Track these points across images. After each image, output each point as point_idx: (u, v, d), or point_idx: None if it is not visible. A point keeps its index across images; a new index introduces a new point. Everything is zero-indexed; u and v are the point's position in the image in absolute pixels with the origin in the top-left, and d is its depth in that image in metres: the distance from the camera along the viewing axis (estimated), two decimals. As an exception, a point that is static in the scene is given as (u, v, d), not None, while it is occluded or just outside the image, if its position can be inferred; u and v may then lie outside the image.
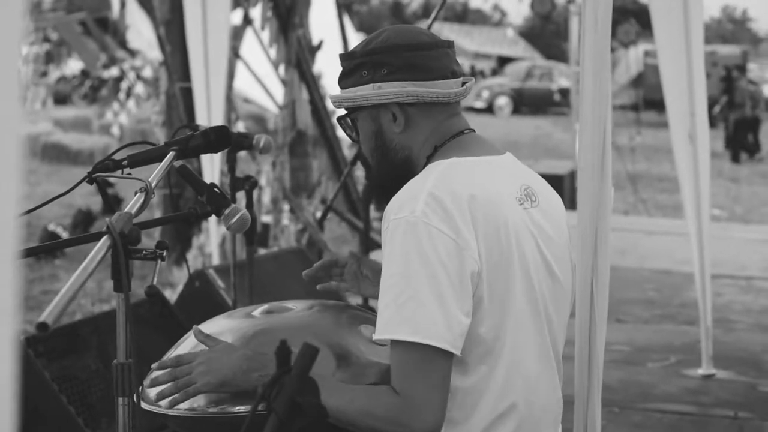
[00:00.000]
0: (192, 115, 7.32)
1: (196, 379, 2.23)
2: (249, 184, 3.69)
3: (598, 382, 3.08)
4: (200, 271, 4.72)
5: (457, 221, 2.09)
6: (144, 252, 2.06)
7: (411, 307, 2.04)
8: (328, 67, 9.75)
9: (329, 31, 10.16)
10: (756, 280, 7.94)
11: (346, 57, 2.35)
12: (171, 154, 2.52)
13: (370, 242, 9.40)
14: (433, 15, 4.79)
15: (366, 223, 4.85)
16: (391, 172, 2.36)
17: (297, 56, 8.49)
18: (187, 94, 7.61)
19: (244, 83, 11.14)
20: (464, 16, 61.46)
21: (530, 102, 32.20)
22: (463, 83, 2.34)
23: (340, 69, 2.38)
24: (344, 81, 2.35)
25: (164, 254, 2.11)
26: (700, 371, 5.62)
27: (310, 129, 8.85)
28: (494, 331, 2.17)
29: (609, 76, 3.07)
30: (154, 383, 2.30)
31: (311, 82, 8.80)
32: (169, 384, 2.26)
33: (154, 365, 2.32)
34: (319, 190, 9.07)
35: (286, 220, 8.48)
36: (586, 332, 2.99)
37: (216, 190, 2.76)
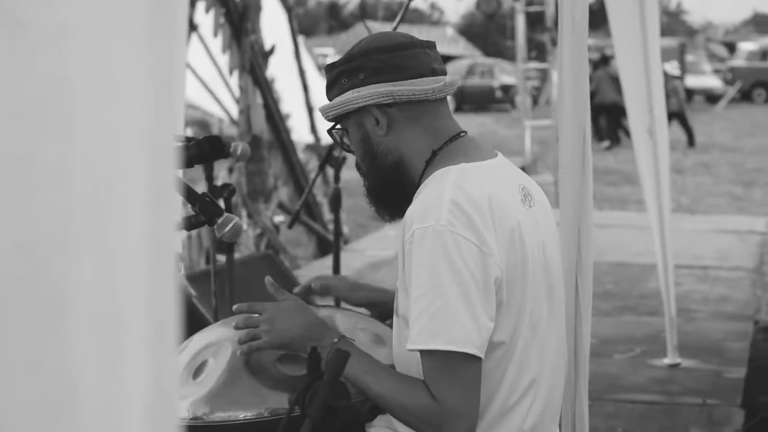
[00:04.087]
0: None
1: (260, 334, 2.30)
2: (227, 192, 3.71)
3: (585, 375, 3.15)
4: None
5: (480, 228, 2.14)
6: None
7: (444, 316, 2.10)
8: (280, 72, 9.76)
9: (277, 35, 10.16)
10: (711, 270, 8.09)
11: (329, 68, 2.41)
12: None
13: (328, 244, 9.43)
14: (398, 18, 4.84)
15: (336, 226, 4.88)
16: (383, 177, 2.40)
17: (250, 62, 8.50)
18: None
19: (189, 90, 11.13)
20: (403, 16, 61.37)
21: (472, 99, 32.34)
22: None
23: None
24: (329, 92, 2.40)
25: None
26: (666, 361, 5.72)
27: (266, 134, 8.86)
28: (510, 335, 2.23)
29: (587, 76, 3.14)
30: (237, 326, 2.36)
31: (265, 86, 8.82)
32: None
33: (234, 307, 2.39)
34: (276, 195, 9.08)
35: (244, 225, 8.48)
36: (572, 327, 3.06)
37: (208, 199, 2.79)
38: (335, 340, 2.28)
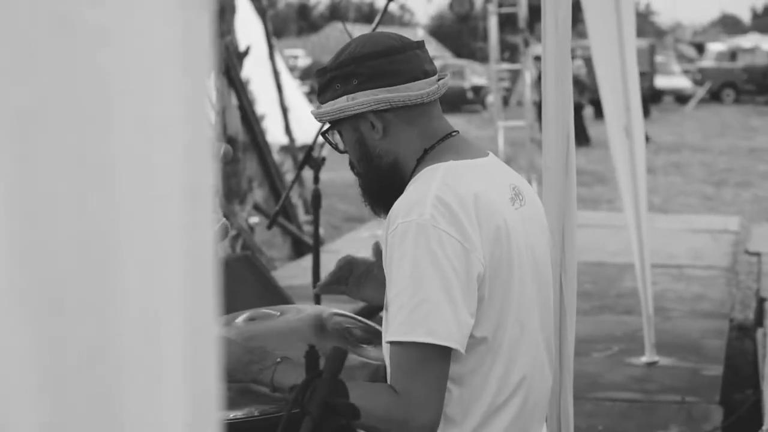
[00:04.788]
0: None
1: None
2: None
3: (570, 374, 3.18)
4: None
5: (464, 224, 2.14)
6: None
7: (425, 309, 2.09)
8: (254, 73, 9.75)
9: (251, 37, 10.15)
10: (686, 269, 8.15)
11: (320, 73, 2.40)
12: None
13: (303, 246, 9.43)
14: (377, 20, 4.84)
15: (315, 227, 4.88)
16: (379, 178, 2.40)
17: (225, 63, 8.49)
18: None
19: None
20: (371, 17, 61.57)
21: (444, 100, 31.93)
22: (439, 79, 2.39)
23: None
24: (321, 96, 2.39)
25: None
26: (644, 359, 5.76)
27: (241, 135, 8.85)
28: (492, 330, 2.23)
29: (570, 76, 3.16)
30: None
31: (240, 88, 8.81)
32: None
33: None
34: (251, 196, 9.07)
35: (219, 226, 8.47)
36: (556, 326, 3.07)
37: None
38: (278, 360, 2.27)
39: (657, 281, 7.51)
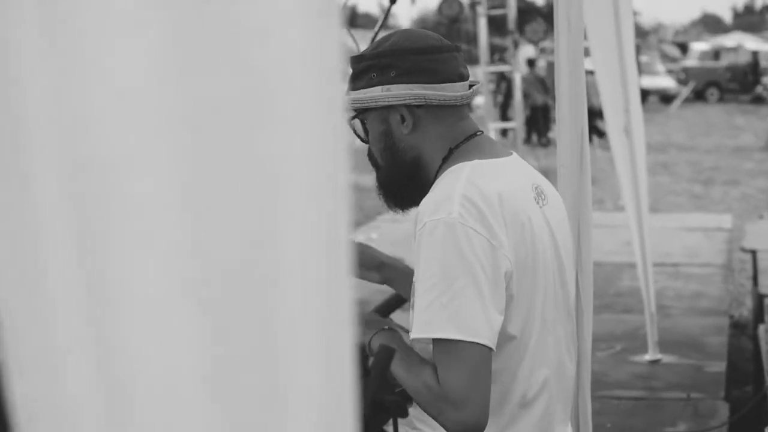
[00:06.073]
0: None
1: None
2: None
3: (588, 372, 3.20)
4: None
5: (491, 222, 2.16)
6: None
7: (454, 306, 2.11)
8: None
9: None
10: (682, 267, 8.19)
11: (356, 60, 2.39)
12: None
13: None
14: (378, 24, 4.85)
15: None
16: (400, 172, 2.41)
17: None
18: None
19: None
20: (354, 20, 61.59)
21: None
22: (471, 86, 2.41)
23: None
24: (353, 83, 2.39)
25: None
26: (647, 357, 5.79)
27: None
28: (520, 328, 2.25)
29: (583, 76, 3.18)
30: None
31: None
32: None
33: None
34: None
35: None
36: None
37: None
38: (385, 327, 2.32)
39: (655, 279, 7.54)
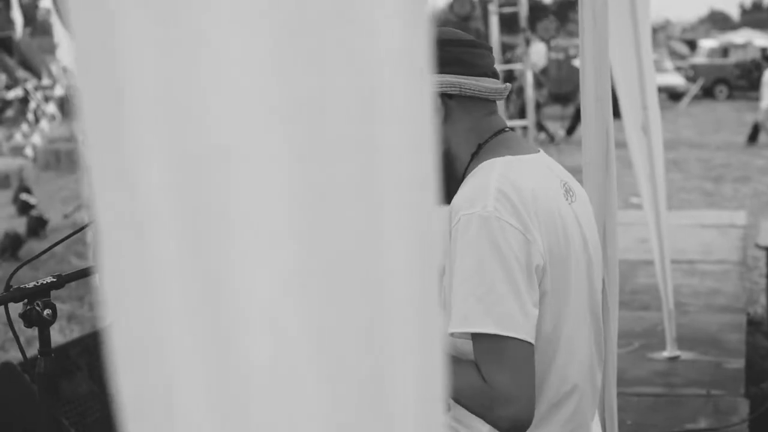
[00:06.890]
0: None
1: None
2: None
3: (614, 369, 3.21)
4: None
5: (524, 216, 2.17)
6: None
7: (490, 299, 2.11)
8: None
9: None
10: (698, 264, 8.18)
11: None
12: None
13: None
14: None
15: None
16: None
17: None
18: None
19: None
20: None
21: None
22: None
23: None
24: None
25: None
26: (665, 354, 5.79)
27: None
28: (553, 325, 2.26)
29: (609, 72, 3.19)
30: None
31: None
32: None
33: None
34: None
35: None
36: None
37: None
38: None
39: (671, 276, 7.56)
